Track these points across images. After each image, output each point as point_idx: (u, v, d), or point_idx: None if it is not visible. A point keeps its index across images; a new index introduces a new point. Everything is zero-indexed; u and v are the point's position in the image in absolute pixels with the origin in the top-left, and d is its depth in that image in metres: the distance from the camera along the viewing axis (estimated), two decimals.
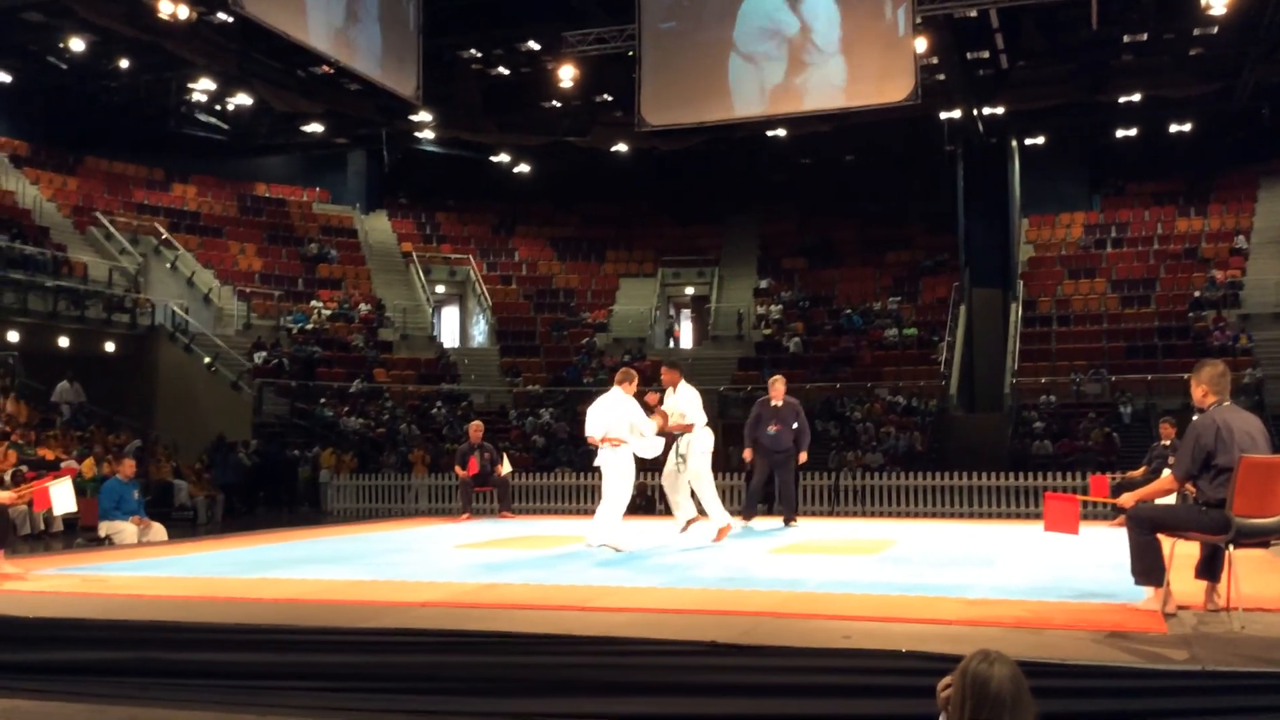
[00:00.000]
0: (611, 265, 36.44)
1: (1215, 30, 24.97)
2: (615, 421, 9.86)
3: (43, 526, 17.20)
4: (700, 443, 10.65)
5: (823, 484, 21.76)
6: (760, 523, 12.77)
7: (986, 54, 26.63)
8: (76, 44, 25.90)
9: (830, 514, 20.48)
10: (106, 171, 32.96)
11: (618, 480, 9.85)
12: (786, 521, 12.49)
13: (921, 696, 4.03)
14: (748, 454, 12.53)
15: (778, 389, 12.47)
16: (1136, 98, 28.25)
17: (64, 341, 25.49)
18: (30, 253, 25.71)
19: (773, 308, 32.81)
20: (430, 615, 6.29)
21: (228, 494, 23.14)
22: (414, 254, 35.10)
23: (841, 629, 5.61)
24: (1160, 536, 6.00)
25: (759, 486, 12.84)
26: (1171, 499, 6.95)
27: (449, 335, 35.25)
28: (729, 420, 29.49)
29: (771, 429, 12.24)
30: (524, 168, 35.08)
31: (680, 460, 10.63)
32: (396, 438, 26.87)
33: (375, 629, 5.93)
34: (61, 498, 9.31)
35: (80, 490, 17.36)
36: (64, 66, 27.95)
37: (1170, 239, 31.53)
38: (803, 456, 12.59)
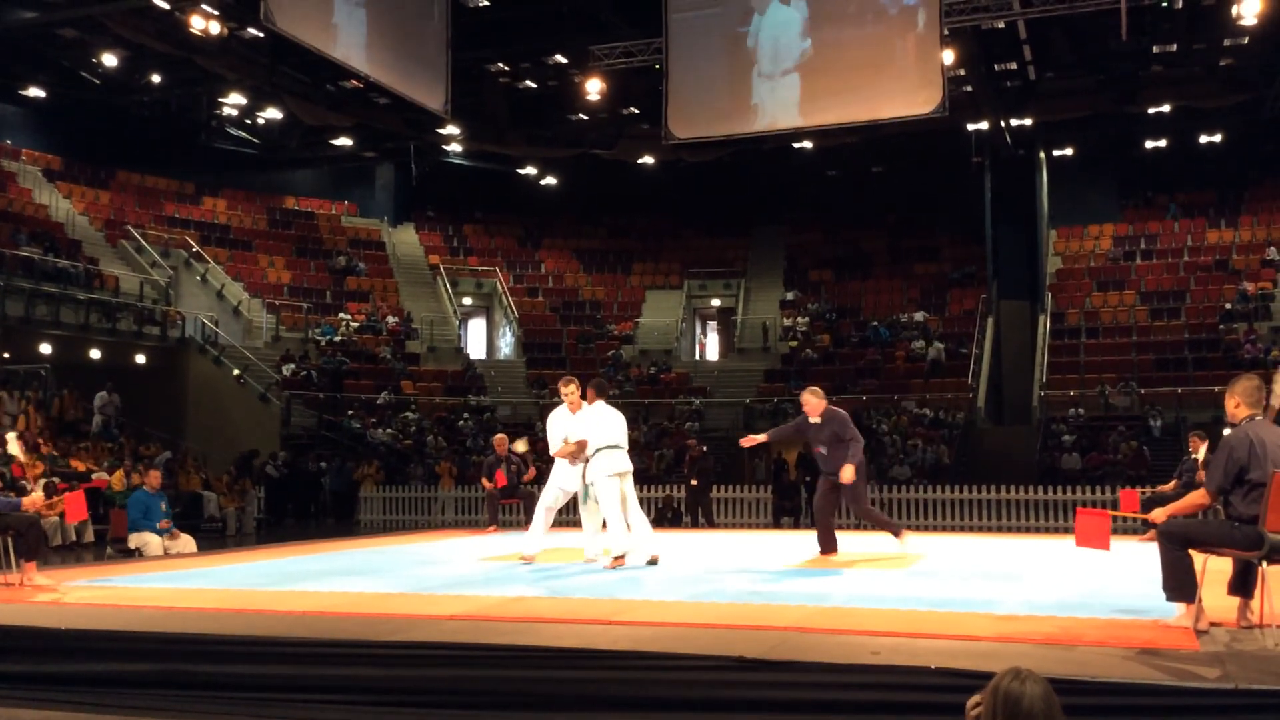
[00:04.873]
0: (638, 277, 36.49)
1: (1245, 41, 24.82)
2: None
3: (74, 538, 17.37)
4: (602, 465, 9.74)
5: None
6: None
7: (1014, 65, 26.58)
8: (109, 60, 26.22)
9: (857, 527, 20.34)
10: (138, 185, 33.32)
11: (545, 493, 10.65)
12: None
13: (951, 714, 4.00)
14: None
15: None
16: (1166, 109, 28.11)
17: (95, 354, 25.75)
18: (63, 266, 26.00)
19: (799, 320, 32.76)
20: (457, 629, 6.30)
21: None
22: (441, 266, 35.30)
23: (869, 645, 5.58)
24: (1192, 552, 5.94)
25: None
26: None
27: (475, 347, 35.38)
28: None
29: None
30: (551, 180, 35.22)
31: (587, 488, 10.00)
32: (423, 449, 26.96)
33: (402, 642, 5.94)
34: (74, 506, 9.81)
35: (111, 502, 17.60)
36: (97, 82, 28.30)
37: (1200, 250, 31.29)
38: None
